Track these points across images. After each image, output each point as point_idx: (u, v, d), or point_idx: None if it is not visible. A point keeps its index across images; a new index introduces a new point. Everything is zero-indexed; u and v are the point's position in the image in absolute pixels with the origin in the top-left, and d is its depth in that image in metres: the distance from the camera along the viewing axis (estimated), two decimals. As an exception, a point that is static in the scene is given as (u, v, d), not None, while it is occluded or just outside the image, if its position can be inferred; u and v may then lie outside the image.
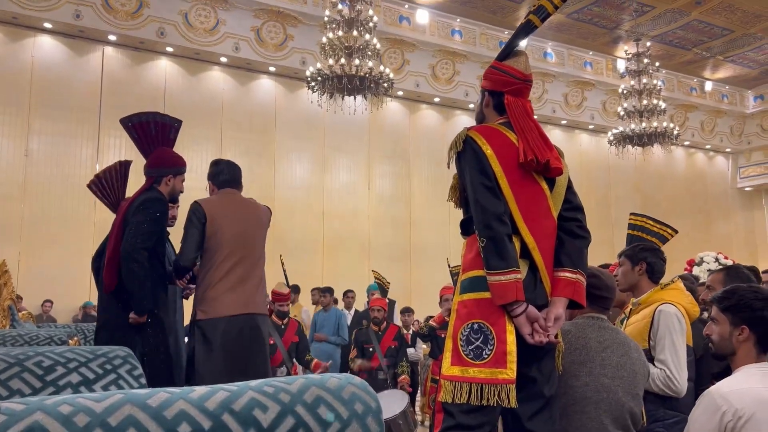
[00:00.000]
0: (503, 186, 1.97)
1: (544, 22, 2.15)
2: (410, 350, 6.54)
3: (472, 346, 1.94)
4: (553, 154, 2.06)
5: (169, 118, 3.44)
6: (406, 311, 7.66)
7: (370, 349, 5.85)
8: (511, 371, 1.87)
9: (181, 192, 3.45)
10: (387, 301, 6.90)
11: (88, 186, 3.63)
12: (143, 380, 2.00)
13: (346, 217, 12.28)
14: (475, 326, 1.95)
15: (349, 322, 7.62)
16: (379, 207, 12.74)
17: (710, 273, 3.52)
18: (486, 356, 1.91)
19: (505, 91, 2.10)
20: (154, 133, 3.35)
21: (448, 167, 2.11)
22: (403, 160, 13.17)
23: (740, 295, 2.06)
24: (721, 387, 2.01)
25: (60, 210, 9.88)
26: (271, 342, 5.11)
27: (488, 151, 1.98)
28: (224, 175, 3.39)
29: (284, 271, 6.01)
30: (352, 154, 12.58)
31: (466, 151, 2.02)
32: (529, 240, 1.98)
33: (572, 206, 2.13)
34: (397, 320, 7.86)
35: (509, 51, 2.14)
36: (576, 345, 2.13)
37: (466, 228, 2.12)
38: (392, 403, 4.73)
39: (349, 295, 8.17)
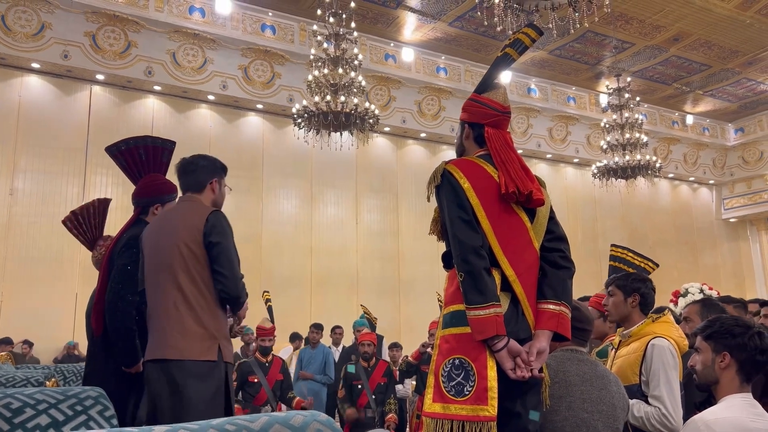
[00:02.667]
0: (481, 219, 1.97)
1: (521, 55, 2.18)
2: (398, 387, 6.45)
3: (454, 383, 1.91)
4: (535, 185, 2.06)
5: (161, 141, 3.24)
6: (395, 347, 7.58)
7: (359, 386, 5.75)
8: (492, 408, 1.84)
9: None
10: (376, 335, 6.83)
11: (64, 222, 3.48)
12: (115, 421, 1.95)
13: (334, 252, 12.24)
14: (456, 362, 1.92)
15: (336, 359, 7.52)
16: (367, 241, 12.72)
17: (686, 305, 3.52)
18: (467, 393, 1.88)
19: (485, 123, 2.12)
20: (144, 159, 3.16)
21: (428, 201, 2.11)
22: (390, 195, 13.23)
23: (721, 323, 2.08)
24: (705, 415, 2.01)
25: (45, 249, 9.78)
26: (255, 380, 5.03)
27: (465, 184, 1.99)
28: (183, 176, 2.85)
29: (269, 308, 5.95)
30: (340, 190, 12.62)
31: (443, 185, 2.03)
32: (509, 273, 1.97)
33: (555, 236, 2.11)
34: (386, 356, 7.77)
35: (488, 84, 2.17)
36: (555, 379, 2.10)
37: (447, 261, 2.11)
38: None
39: (336, 331, 8.08)
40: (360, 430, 5.48)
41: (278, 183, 11.96)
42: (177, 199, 2.91)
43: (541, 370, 1.94)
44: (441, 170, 2.04)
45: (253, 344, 6.00)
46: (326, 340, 8.27)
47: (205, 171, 2.86)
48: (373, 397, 5.60)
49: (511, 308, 1.95)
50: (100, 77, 10.42)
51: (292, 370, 6.95)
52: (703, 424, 1.95)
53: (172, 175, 3.31)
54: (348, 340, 8.44)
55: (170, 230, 2.69)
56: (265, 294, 6.50)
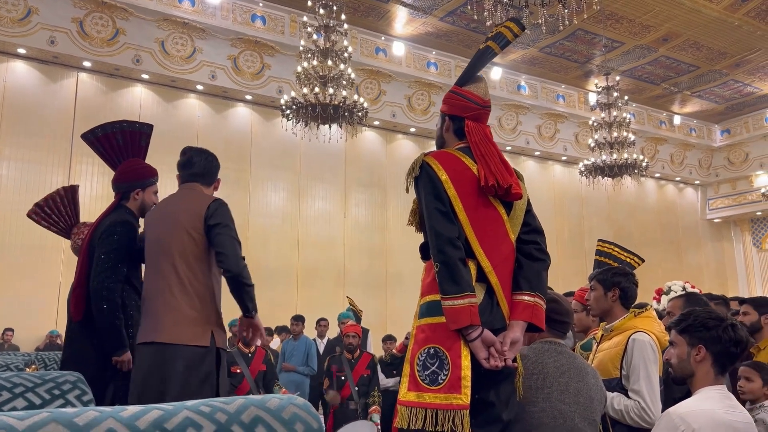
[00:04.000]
0: (458, 211, 1.99)
1: (503, 49, 2.19)
2: (391, 379, 6.45)
3: (428, 371, 1.93)
4: (514, 178, 2.08)
5: (138, 125, 3.24)
6: (388, 339, 7.59)
7: (342, 377, 5.76)
8: (465, 396, 1.86)
9: (154, 204, 3.11)
10: (361, 327, 6.84)
11: (29, 215, 3.45)
12: (93, 405, 1.95)
13: (321, 245, 12.23)
14: (431, 351, 1.94)
15: (322, 351, 7.53)
16: (354, 235, 12.72)
17: (670, 300, 3.56)
18: (441, 381, 1.90)
19: (465, 116, 2.13)
20: (121, 143, 3.15)
21: (407, 192, 2.12)
22: (379, 189, 13.23)
23: (695, 316, 2.10)
24: (680, 408, 2.03)
25: (28, 238, 9.68)
26: (238, 371, 5.02)
27: (443, 176, 2.00)
28: (194, 167, 2.89)
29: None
30: (328, 183, 12.60)
31: (422, 177, 2.04)
32: (485, 264, 1.99)
33: (531, 229, 2.13)
34: (371, 348, 7.79)
35: (469, 76, 2.18)
36: (533, 370, 2.12)
37: (424, 252, 2.13)
38: None
39: (322, 323, 8.09)
40: (343, 421, 5.49)
41: (266, 175, 11.92)
42: (179, 187, 2.93)
43: (514, 360, 1.96)
44: (420, 162, 2.06)
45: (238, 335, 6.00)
46: (312, 332, 8.28)
47: (216, 170, 3.00)
48: (356, 388, 5.61)
49: (486, 299, 1.97)
50: (87, 64, 10.31)
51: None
52: (678, 417, 1.98)
53: (151, 159, 3.31)
54: (333, 332, 8.45)
55: (172, 215, 2.74)
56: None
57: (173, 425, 1.04)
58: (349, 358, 5.80)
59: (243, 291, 2.66)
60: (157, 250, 2.72)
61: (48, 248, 9.64)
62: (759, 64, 14.28)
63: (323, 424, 1.20)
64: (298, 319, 7.40)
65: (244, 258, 2.73)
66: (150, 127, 3.27)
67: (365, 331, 7.78)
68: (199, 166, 2.89)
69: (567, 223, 15.41)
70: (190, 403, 1.14)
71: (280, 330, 8.40)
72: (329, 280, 12.06)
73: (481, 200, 2.02)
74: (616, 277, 2.89)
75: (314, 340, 7.71)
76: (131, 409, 1.05)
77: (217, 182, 2.99)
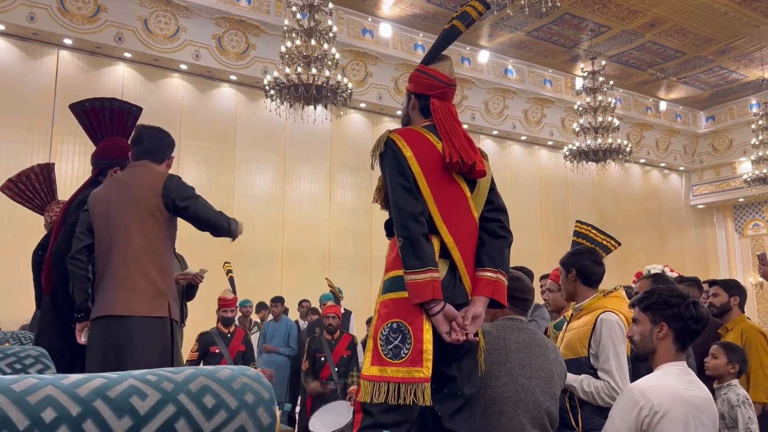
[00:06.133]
0: (422, 187, 2.00)
1: (468, 28, 2.20)
2: None
3: (391, 346, 1.95)
4: (478, 156, 2.10)
5: (127, 105, 3.24)
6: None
7: (322, 359, 5.80)
8: (426, 369, 1.89)
9: None
10: (342, 309, 6.87)
11: (2, 190, 3.47)
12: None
13: (306, 228, 12.21)
14: (394, 326, 1.96)
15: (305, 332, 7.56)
16: (340, 218, 12.72)
17: (639, 280, 3.61)
18: (404, 355, 1.92)
19: (431, 94, 2.14)
20: (108, 120, 3.14)
21: (372, 169, 2.13)
22: (365, 172, 13.19)
23: (658, 294, 2.14)
24: (641, 383, 2.07)
25: (9, 218, 9.58)
26: (217, 351, 5.04)
27: (408, 153, 2.02)
28: (143, 144, 2.87)
29: (231, 279, 5.92)
30: (314, 165, 12.55)
31: (387, 153, 2.05)
32: (448, 240, 2.01)
33: (494, 207, 2.16)
34: (354, 330, 7.83)
35: (435, 55, 2.18)
36: (495, 346, 2.15)
37: (389, 229, 2.14)
38: (338, 415, 4.68)
39: (303, 304, 8.11)
40: (322, 401, 5.54)
41: (251, 156, 11.84)
42: (130, 165, 2.92)
43: (476, 335, 1.98)
44: (385, 138, 2.07)
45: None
46: (295, 314, 8.30)
47: (168, 148, 2.96)
48: (336, 369, 5.65)
49: (449, 274, 2.00)
50: (67, 42, 10.14)
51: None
52: (638, 392, 2.02)
53: None
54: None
55: (124, 191, 2.72)
56: (226, 265, 6.47)
57: (116, 393, 1.04)
58: (329, 339, 5.84)
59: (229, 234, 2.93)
60: (108, 225, 2.72)
61: (30, 227, 9.54)
62: (744, 51, 14.34)
63: (274, 394, 1.21)
64: (278, 300, 7.42)
65: (221, 212, 2.92)
66: (139, 110, 3.27)
67: (348, 313, 7.82)
68: (148, 142, 2.88)
69: (552, 208, 15.49)
70: (136, 372, 1.14)
71: (260, 307, 8.42)
72: (314, 263, 12.06)
73: (445, 177, 2.04)
74: (572, 258, 2.95)
75: (296, 321, 7.74)
76: (73, 377, 1.05)
77: (169, 160, 2.98)
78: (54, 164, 3.52)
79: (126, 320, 2.55)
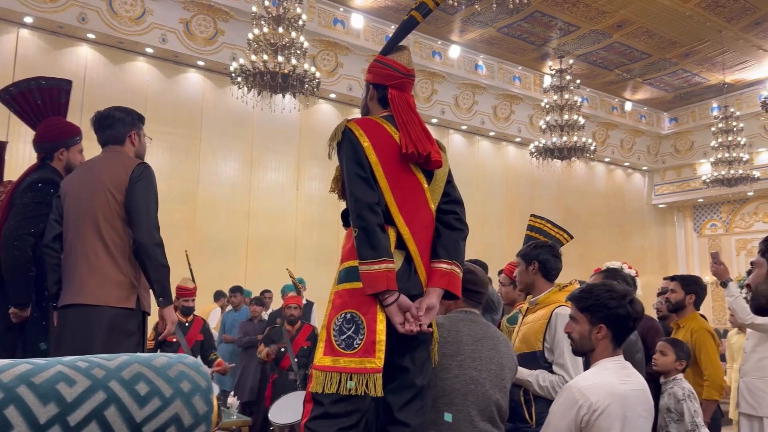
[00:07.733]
0: (379, 177, 2.00)
1: (425, 18, 2.20)
2: None
3: (344, 336, 1.95)
4: (434, 147, 2.10)
5: (55, 81, 3.13)
6: None
7: (282, 349, 5.77)
8: (379, 360, 1.89)
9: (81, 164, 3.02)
10: (303, 300, 6.83)
11: None
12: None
13: (272, 218, 12.11)
14: (348, 316, 1.96)
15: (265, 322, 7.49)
16: (307, 209, 12.64)
17: (592, 275, 3.67)
18: (356, 346, 1.92)
19: (389, 84, 2.14)
20: (39, 102, 3.04)
21: (329, 158, 2.11)
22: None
23: (596, 295, 2.17)
24: (579, 382, 2.11)
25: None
26: (174, 340, 4.96)
27: (365, 143, 2.01)
28: (104, 130, 2.82)
29: (189, 266, 5.84)
30: (281, 155, 12.43)
31: (344, 142, 2.04)
32: (404, 231, 2.01)
33: (451, 199, 2.17)
34: (315, 321, 7.80)
35: (393, 45, 2.18)
36: (448, 338, 2.17)
37: (346, 219, 2.13)
38: (298, 405, 4.67)
39: (266, 295, 8.05)
40: (282, 392, 5.51)
41: (217, 143, 11.67)
42: (101, 151, 2.86)
43: (430, 326, 1.99)
44: (342, 127, 2.06)
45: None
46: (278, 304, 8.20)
47: (122, 123, 2.84)
48: (296, 360, 5.63)
49: (405, 266, 2.00)
50: (28, 20, 9.81)
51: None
52: (577, 391, 2.06)
53: (72, 117, 3.19)
54: (277, 304, 8.43)
55: (94, 179, 2.66)
56: (186, 252, 6.36)
57: (42, 379, 1.02)
58: (290, 329, 5.81)
59: (156, 269, 2.58)
60: (78, 212, 2.65)
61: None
62: (707, 55, 14.69)
63: (212, 383, 1.19)
64: (237, 290, 7.34)
65: (158, 228, 2.65)
66: (69, 83, 3.15)
67: (310, 304, 7.79)
68: (102, 127, 2.83)
69: (518, 204, 15.66)
70: (66, 359, 1.11)
71: (218, 296, 8.32)
72: (280, 253, 11.97)
73: (402, 168, 2.04)
74: (534, 251, 2.97)
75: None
76: (2, 362, 1.02)
77: (132, 135, 2.86)
78: (6, 143, 3.39)
79: (94, 309, 2.49)
